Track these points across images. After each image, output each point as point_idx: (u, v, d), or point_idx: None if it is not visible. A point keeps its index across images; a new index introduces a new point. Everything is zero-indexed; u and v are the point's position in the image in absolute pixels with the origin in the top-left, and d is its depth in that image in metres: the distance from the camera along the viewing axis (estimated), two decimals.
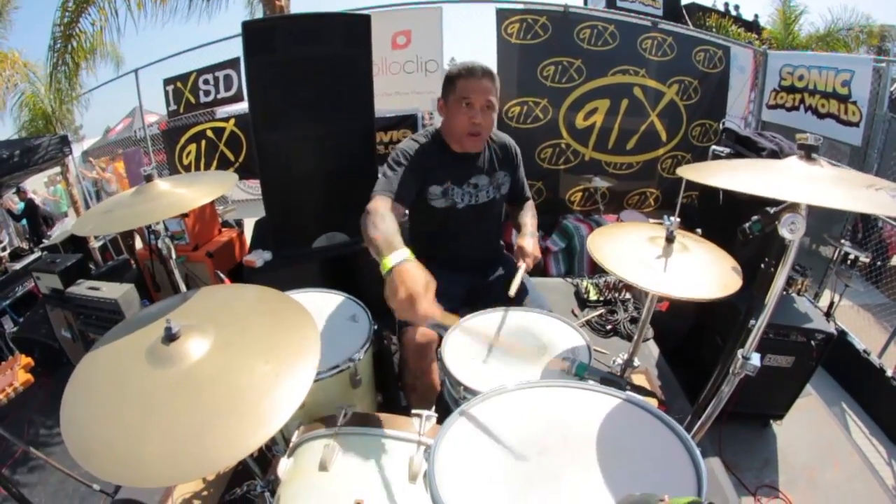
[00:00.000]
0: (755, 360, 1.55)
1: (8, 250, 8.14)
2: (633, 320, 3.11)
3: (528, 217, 2.36)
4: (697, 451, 0.96)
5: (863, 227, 5.18)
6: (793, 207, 1.30)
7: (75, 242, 5.39)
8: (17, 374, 2.41)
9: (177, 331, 1.14)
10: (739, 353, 1.56)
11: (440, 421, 1.27)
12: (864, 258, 4.64)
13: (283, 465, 1.37)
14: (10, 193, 8.10)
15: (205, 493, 2.38)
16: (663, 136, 5.03)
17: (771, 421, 3.07)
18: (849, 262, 4.61)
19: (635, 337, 2.18)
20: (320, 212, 2.98)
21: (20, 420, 3.52)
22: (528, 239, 2.17)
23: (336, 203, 2.75)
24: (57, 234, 7.36)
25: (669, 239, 1.80)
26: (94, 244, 5.48)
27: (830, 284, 4.41)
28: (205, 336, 1.19)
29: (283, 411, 1.05)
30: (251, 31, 2.64)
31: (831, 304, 4.22)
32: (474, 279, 2.38)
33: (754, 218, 1.43)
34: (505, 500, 0.92)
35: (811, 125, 5.14)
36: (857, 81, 4.70)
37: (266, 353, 1.17)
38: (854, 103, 4.76)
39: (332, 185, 2.51)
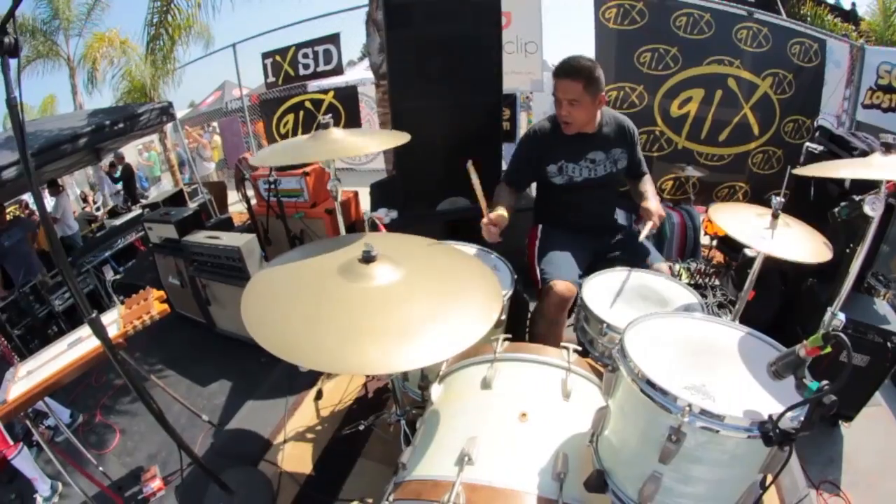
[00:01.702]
0: (841, 316, 1.75)
1: (102, 210, 8.82)
2: (721, 305, 3.15)
3: (648, 186, 2.57)
4: None
5: None
6: (874, 191, 1.60)
7: (175, 201, 5.79)
8: (153, 303, 2.64)
9: (375, 254, 1.31)
10: (829, 310, 1.80)
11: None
12: None
13: (436, 391, 1.54)
14: (110, 158, 8.68)
15: (318, 427, 2.60)
16: (755, 130, 4.87)
17: (840, 421, 3.04)
18: None
19: (738, 304, 2.29)
20: (445, 177, 3.14)
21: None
22: (652, 201, 2.40)
23: (460, 171, 2.92)
24: (154, 194, 7.91)
25: (775, 215, 1.99)
26: (192, 204, 5.87)
27: None
28: (395, 264, 1.37)
29: (464, 342, 1.19)
30: (393, 7, 2.88)
31: None
32: (596, 244, 2.57)
33: (842, 204, 1.73)
34: (681, 371, 1.16)
35: None
36: None
37: (454, 290, 1.33)
38: None
39: (457, 153, 2.66)
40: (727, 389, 1.12)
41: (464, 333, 1.19)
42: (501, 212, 2.26)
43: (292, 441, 2.55)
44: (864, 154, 2.94)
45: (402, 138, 1.93)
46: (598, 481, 1.19)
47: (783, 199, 2.00)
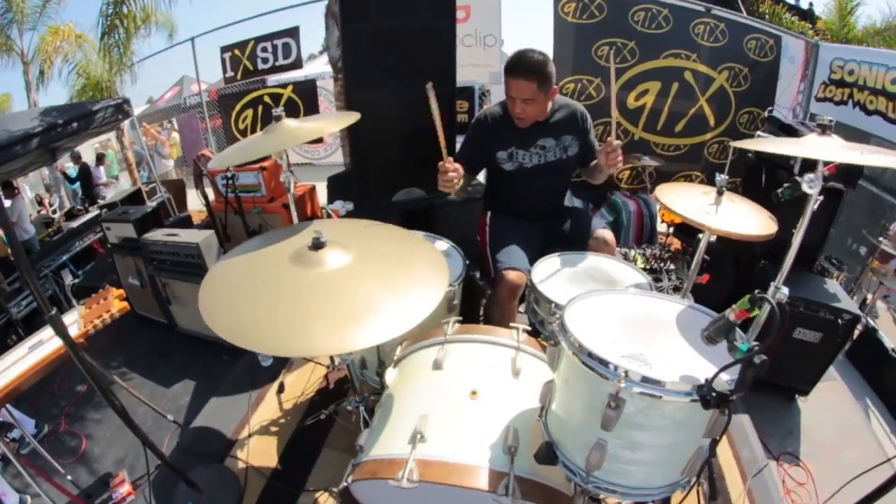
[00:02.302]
0: (784, 290, 1.92)
1: (59, 213, 8.54)
2: (677, 289, 3.24)
3: None
4: None
5: None
6: (812, 171, 1.72)
7: (133, 201, 5.66)
8: (113, 302, 2.59)
9: (324, 240, 1.32)
10: (772, 284, 1.94)
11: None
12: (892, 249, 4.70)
13: (390, 375, 1.56)
14: (66, 157, 8.41)
15: (282, 420, 2.59)
16: (711, 121, 5.03)
17: (797, 396, 3.18)
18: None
19: (686, 283, 2.40)
20: (400, 168, 3.20)
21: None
22: None
23: (415, 161, 2.94)
24: (111, 194, 7.70)
25: (720, 192, 2.11)
26: (151, 203, 5.74)
27: (866, 284, 4.47)
28: (345, 249, 1.39)
29: (413, 317, 1.23)
30: None
31: (864, 300, 4.29)
32: (548, 228, 2.61)
33: (785, 185, 1.83)
34: (620, 342, 1.21)
35: (858, 121, 5.05)
36: None
37: (402, 270, 1.35)
38: None
39: (412, 145, 2.71)
40: (664, 357, 1.17)
41: (412, 310, 1.22)
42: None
43: (257, 435, 2.54)
44: None
45: (351, 118, 1.93)
46: (547, 453, 1.23)
47: (727, 177, 2.11)
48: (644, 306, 1.39)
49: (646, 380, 1.06)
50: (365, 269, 1.35)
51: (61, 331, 1.70)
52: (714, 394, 1.03)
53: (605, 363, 1.09)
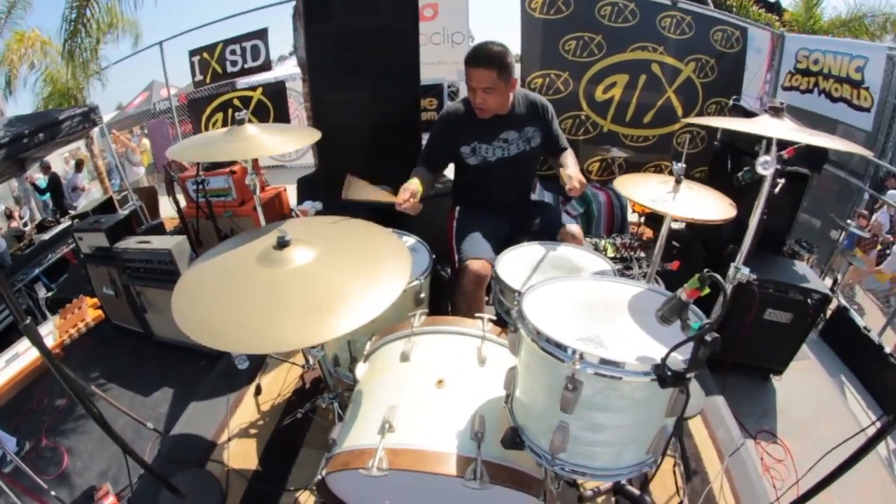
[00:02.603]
0: (745, 270, 2.03)
1: (29, 225, 8.36)
2: (647, 275, 3.32)
3: (569, 158, 2.63)
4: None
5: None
6: (766, 152, 1.81)
7: (105, 210, 5.57)
8: (87, 311, 2.58)
9: (288, 239, 1.35)
10: (732, 265, 2.04)
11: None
12: (865, 234, 4.86)
13: (361, 369, 1.58)
14: (35, 167, 8.23)
15: (260, 422, 2.60)
16: (679, 112, 5.07)
17: (771, 376, 3.26)
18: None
19: (650, 268, 2.47)
20: (367, 167, 3.15)
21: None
22: (572, 168, 2.45)
23: (383, 159, 2.97)
24: (83, 203, 7.57)
25: (678, 180, 2.18)
26: (123, 211, 5.65)
27: (837, 265, 4.60)
28: (309, 247, 1.42)
29: (375, 308, 1.26)
30: (312, 0, 2.92)
31: (835, 281, 4.42)
32: (513, 222, 2.65)
33: (745, 168, 1.89)
34: (577, 326, 1.25)
35: (824, 108, 5.21)
36: (870, 68, 4.72)
37: (365, 263, 1.37)
38: (867, 89, 4.80)
39: (379, 142, 2.74)
40: (620, 338, 1.21)
41: (375, 300, 1.25)
42: (415, 183, 2.30)
43: (236, 438, 2.53)
44: None
45: (314, 136, 1.95)
46: (512, 437, 1.27)
47: (684, 166, 2.18)
48: (602, 291, 1.43)
49: (602, 361, 1.09)
50: (329, 264, 1.38)
51: (36, 340, 1.69)
52: (670, 372, 1.07)
53: (560, 347, 1.13)
